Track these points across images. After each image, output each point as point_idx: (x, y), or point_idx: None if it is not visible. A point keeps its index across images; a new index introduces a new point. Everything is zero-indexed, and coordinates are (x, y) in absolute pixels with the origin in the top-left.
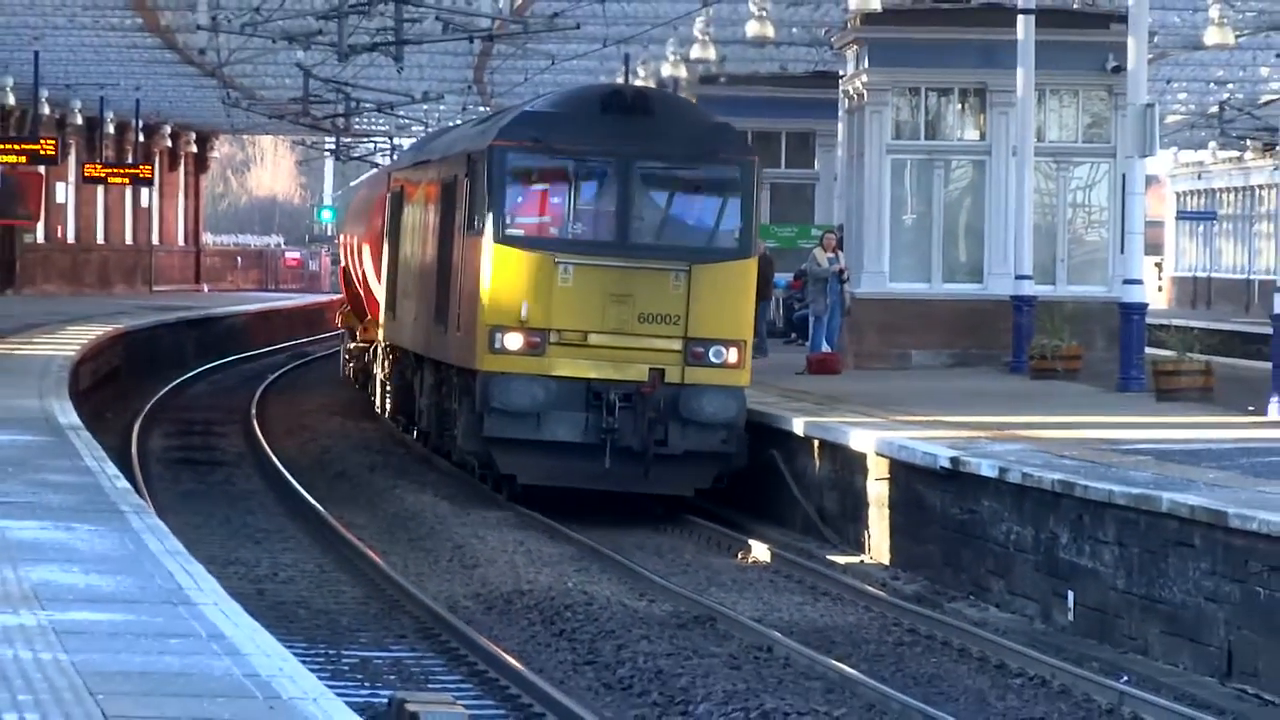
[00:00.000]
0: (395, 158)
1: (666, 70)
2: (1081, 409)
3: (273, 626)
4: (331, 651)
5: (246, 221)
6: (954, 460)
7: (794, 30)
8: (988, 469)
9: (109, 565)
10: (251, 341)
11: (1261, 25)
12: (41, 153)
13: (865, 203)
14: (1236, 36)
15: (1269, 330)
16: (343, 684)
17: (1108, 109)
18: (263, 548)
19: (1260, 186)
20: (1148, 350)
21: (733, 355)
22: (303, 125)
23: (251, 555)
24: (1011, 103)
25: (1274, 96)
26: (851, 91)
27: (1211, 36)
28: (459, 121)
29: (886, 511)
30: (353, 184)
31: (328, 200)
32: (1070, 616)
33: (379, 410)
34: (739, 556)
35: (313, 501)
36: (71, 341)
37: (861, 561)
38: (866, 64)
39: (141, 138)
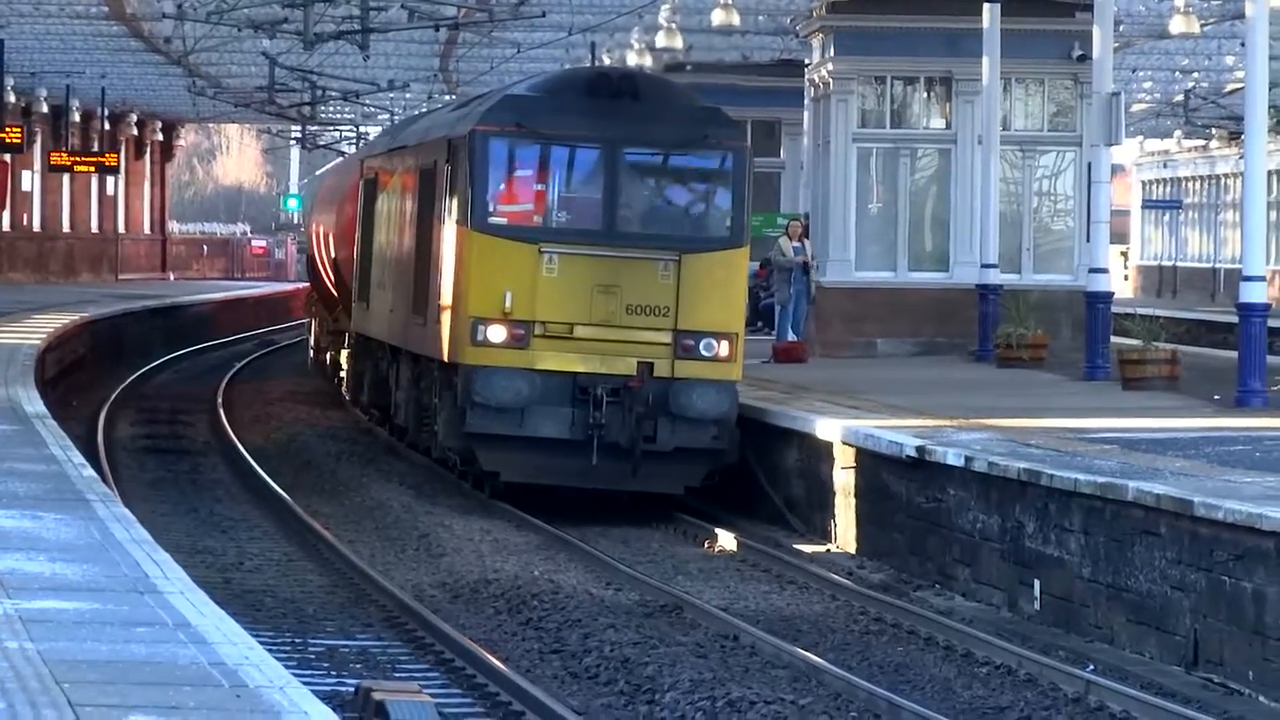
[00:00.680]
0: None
1: (632, 59)
2: (1047, 398)
3: (239, 615)
4: (298, 640)
5: (212, 210)
6: (920, 449)
7: (760, 19)
8: (953, 458)
9: (75, 554)
10: (217, 330)
11: (1226, 14)
12: (7, 141)
13: (831, 191)
14: (1202, 25)
15: (1235, 319)
16: (309, 672)
17: (1073, 97)
18: (229, 536)
19: (1225, 175)
20: (1113, 339)
21: (724, 348)
22: (268, 114)
23: (218, 544)
24: (977, 91)
25: (1239, 85)
26: (817, 80)
27: (1177, 25)
28: (425, 109)
29: (853, 500)
30: (319, 172)
31: (293, 189)
32: (1036, 605)
33: (350, 402)
34: (706, 545)
35: (279, 490)
36: (37, 330)
37: (828, 550)
38: (832, 52)
39: (107, 126)
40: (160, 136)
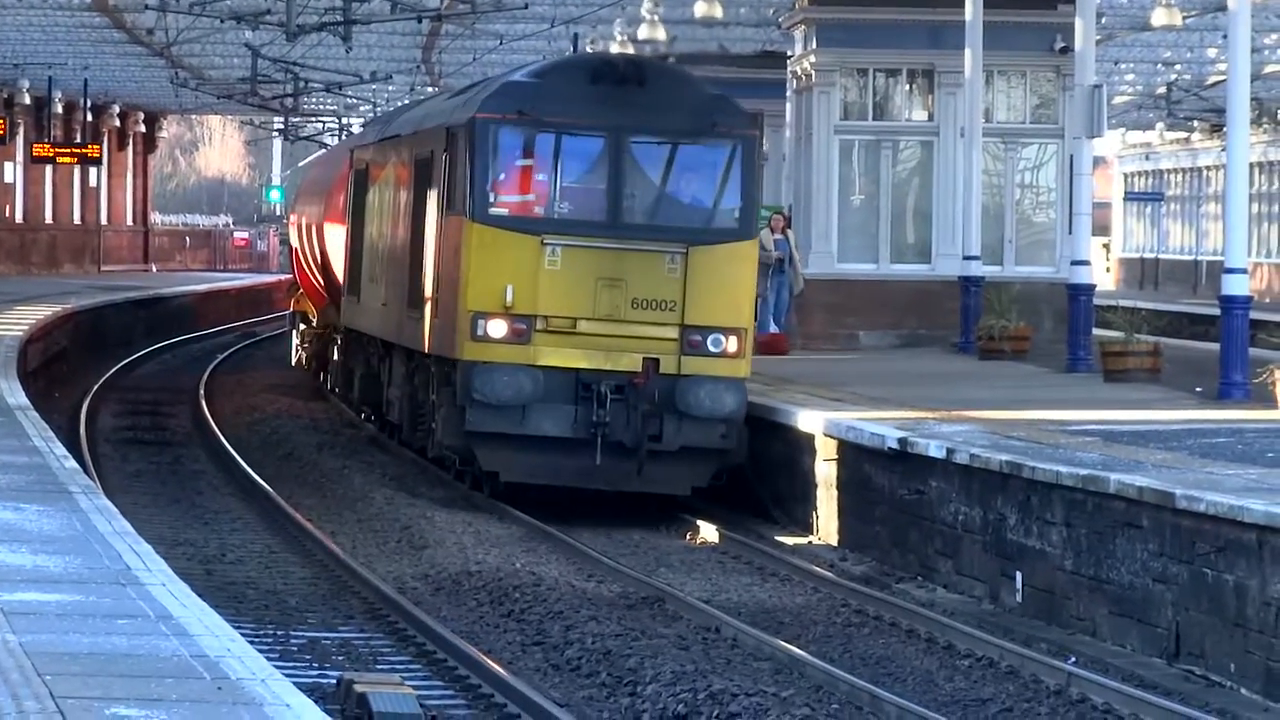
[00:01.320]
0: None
1: (615, 50)
2: (1029, 390)
3: (221, 607)
4: (280, 632)
5: (195, 202)
6: (902, 441)
7: (742, 10)
8: (935, 450)
9: (57, 546)
10: (200, 321)
11: (1209, 7)
12: None
13: (813, 183)
14: (1184, 18)
15: (1217, 311)
16: (291, 664)
17: (1055, 90)
18: (211, 528)
19: (1207, 168)
20: (1095, 331)
21: (732, 344)
22: (251, 105)
23: (200, 536)
24: (959, 83)
25: (1221, 78)
26: (799, 72)
27: (1159, 18)
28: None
29: (835, 493)
30: (303, 163)
31: (276, 180)
32: (1018, 597)
33: (339, 399)
34: (688, 537)
35: (261, 482)
36: (19, 321)
37: (810, 542)
38: (814, 45)
39: (90, 117)
40: (143, 128)
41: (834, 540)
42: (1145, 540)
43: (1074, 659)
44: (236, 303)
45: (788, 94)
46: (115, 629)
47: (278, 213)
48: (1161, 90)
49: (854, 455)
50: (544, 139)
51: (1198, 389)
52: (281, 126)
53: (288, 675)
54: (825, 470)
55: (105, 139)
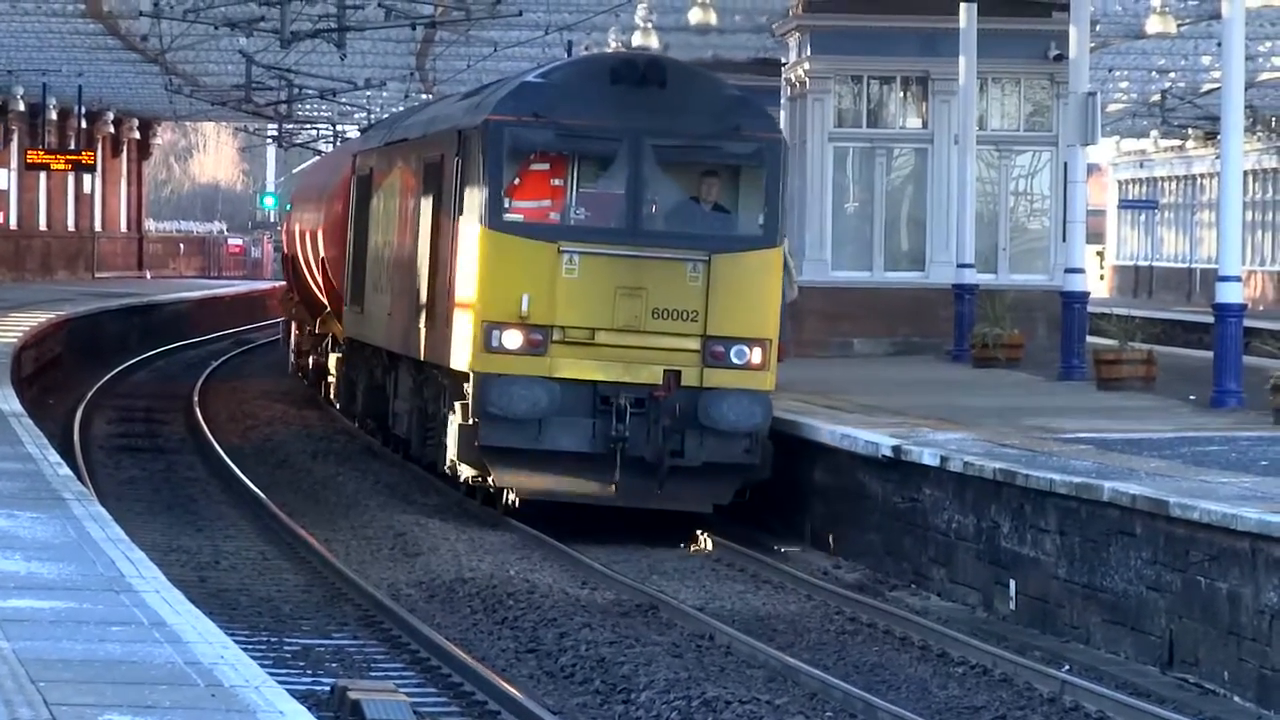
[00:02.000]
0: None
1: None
2: (1023, 397)
3: (215, 614)
4: (274, 639)
5: (189, 208)
6: (896, 449)
7: (736, 17)
8: (929, 458)
9: (51, 553)
10: (194, 328)
11: (1203, 14)
12: None
13: (807, 191)
14: (1178, 25)
15: (1211, 319)
16: (285, 672)
17: (1050, 97)
18: (205, 535)
19: (1201, 175)
20: (1089, 339)
21: (756, 355)
22: (245, 112)
23: (193, 543)
24: (953, 91)
25: (1215, 85)
26: (794, 79)
27: (1153, 25)
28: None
29: (829, 500)
30: (299, 169)
31: (270, 187)
32: (1012, 605)
33: (341, 411)
34: (682, 545)
35: (255, 489)
36: (14, 328)
37: (803, 550)
38: (809, 51)
39: (84, 124)
40: (137, 135)
41: (828, 548)
42: (1139, 548)
43: (1067, 667)
44: (230, 310)
45: (782, 101)
46: (109, 636)
47: (272, 219)
48: (1156, 98)
49: (848, 462)
50: (561, 142)
51: (1192, 397)
52: (276, 133)
53: (281, 682)
54: (819, 477)
55: (99, 145)
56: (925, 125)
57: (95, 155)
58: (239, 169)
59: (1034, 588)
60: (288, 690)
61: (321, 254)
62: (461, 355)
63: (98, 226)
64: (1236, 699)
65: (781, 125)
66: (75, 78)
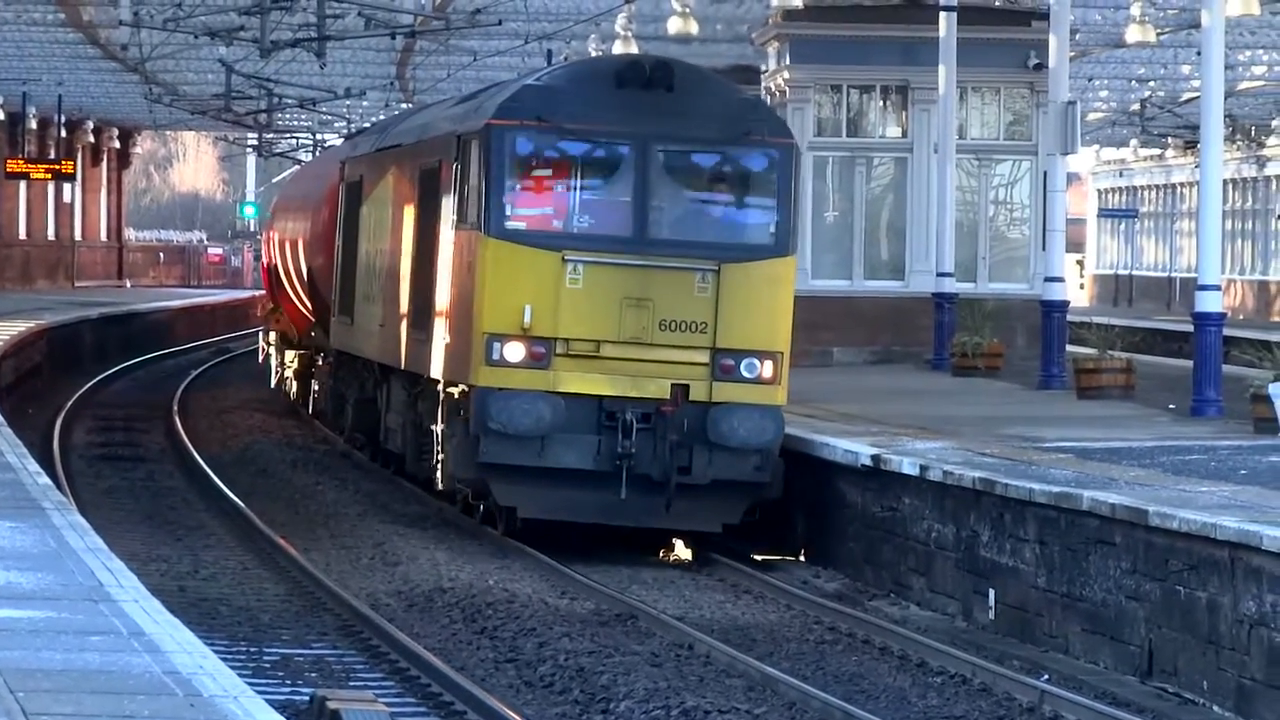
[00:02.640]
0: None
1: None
2: (1002, 406)
3: (194, 624)
4: (253, 649)
5: (169, 217)
6: (875, 458)
7: (717, 26)
8: (909, 467)
9: (30, 562)
10: (174, 338)
11: (1182, 23)
12: None
13: None
14: (1158, 34)
15: (1190, 328)
16: (264, 681)
17: (1029, 106)
18: (184, 544)
19: (1181, 184)
20: (1069, 348)
21: (768, 369)
22: (225, 121)
23: (173, 552)
24: (933, 100)
25: (1195, 94)
26: (773, 88)
27: (1133, 34)
28: (382, 116)
29: (808, 509)
30: (281, 177)
31: (250, 196)
32: (991, 615)
33: (329, 426)
34: (661, 554)
35: (234, 498)
36: None
37: (783, 559)
38: (788, 60)
39: (64, 133)
40: (117, 144)
41: (807, 557)
42: (1118, 557)
43: (1046, 676)
44: (211, 319)
45: None
46: (88, 645)
47: (252, 229)
48: (1135, 107)
49: (827, 471)
50: (564, 147)
51: (1171, 406)
52: (255, 142)
53: (260, 692)
54: (799, 486)
55: (79, 155)
56: (905, 134)
57: (75, 164)
58: (219, 178)
59: (1013, 597)
60: (267, 700)
61: (307, 264)
62: (461, 368)
63: (78, 235)
64: (1216, 708)
65: None
66: (55, 87)
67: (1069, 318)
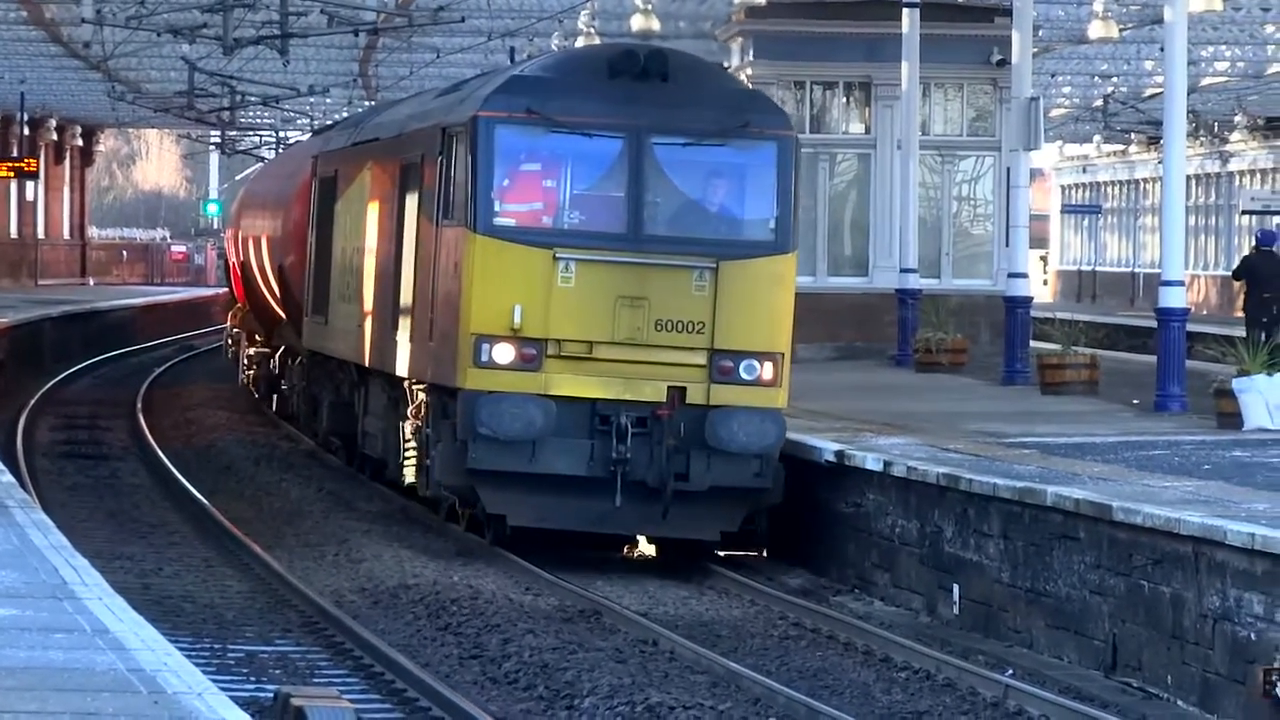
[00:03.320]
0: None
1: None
2: (966, 402)
3: (158, 621)
4: (217, 646)
5: (132, 215)
6: (839, 454)
7: (680, 23)
8: (872, 462)
9: None
10: (137, 335)
11: (1145, 19)
12: None
13: None
14: (1120, 30)
15: (1154, 324)
16: (228, 678)
17: (992, 102)
18: (148, 542)
19: (1144, 180)
20: (1033, 344)
21: (767, 371)
22: (188, 119)
23: (137, 550)
24: (896, 96)
25: (1158, 90)
26: None
27: (1096, 30)
28: (345, 114)
29: (772, 505)
30: (247, 172)
31: (213, 194)
32: (955, 610)
33: (301, 429)
34: (625, 550)
35: (199, 496)
36: None
37: (747, 555)
38: (751, 57)
39: (27, 131)
40: (80, 142)
41: (771, 553)
42: (1082, 552)
43: (1011, 671)
44: (174, 316)
45: None
46: (52, 643)
47: (215, 226)
48: (1098, 103)
49: (791, 468)
50: (555, 140)
51: (1135, 401)
52: (219, 140)
53: (225, 689)
54: None
55: (42, 152)
56: (868, 130)
57: (38, 162)
58: (182, 176)
59: (977, 592)
60: (231, 697)
61: (278, 261)
62: (447, 371)
63: (41, 233)
64: (1180, 703)
65: None
66: (18, 85)
67: (1032, 313)
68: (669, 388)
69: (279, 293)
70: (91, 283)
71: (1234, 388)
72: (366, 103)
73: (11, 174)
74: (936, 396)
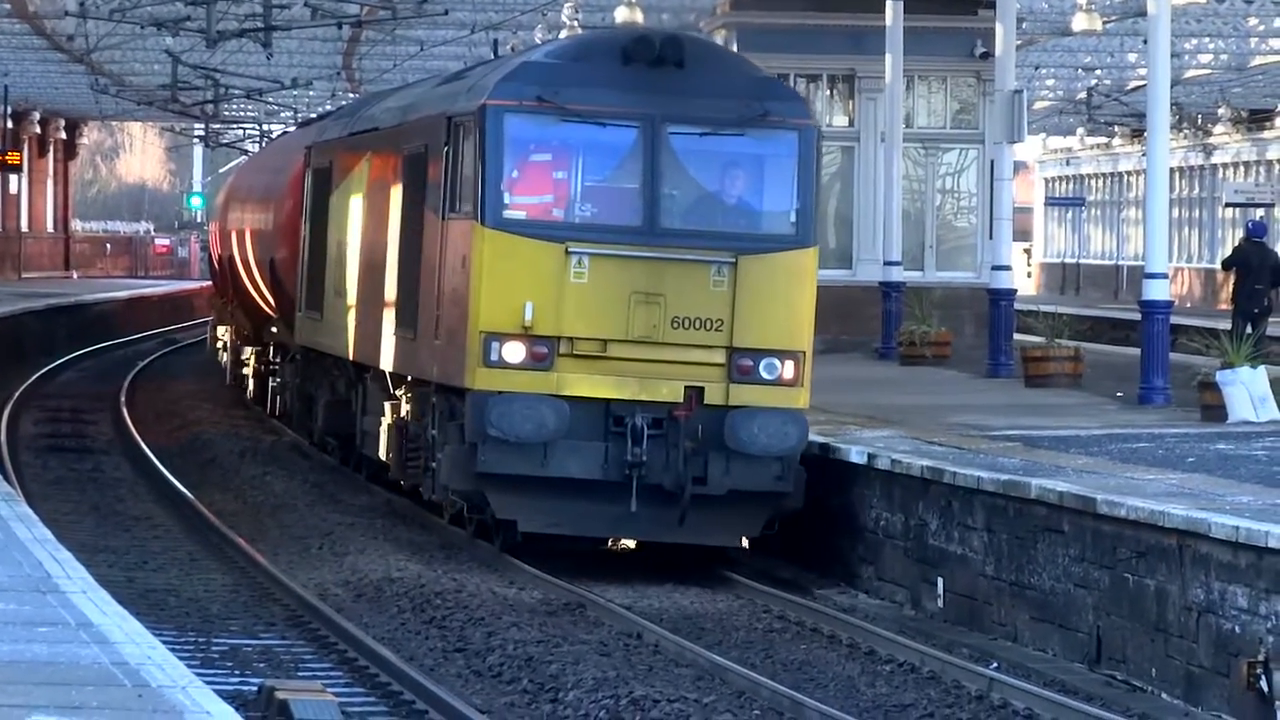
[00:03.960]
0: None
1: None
2: (950, 395)
3: (142, 614)
4: (201, 639)
5: (115, 208)
6: (823, 447)
7: (663, 16)
8: (856, 455)
9: None
10: (121, 328)
11: (1128, 12)
12: None
13: None
14: (1104, 23)
15: (1138, 316)
16: (212, 672)
17: (976, 95)
18: (132, 535)
19: (1128, 172)
20: (1017, 336)
21: (789, 370)
22: (171, 112)
23: (121, 543)
24: (880, 89)
25: (1141, 83)
26: None
27: (1079, 23)
28: (329, 107)
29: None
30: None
31: (197, 187)
32: (940, 603)
33: (294, 428)
34: (609, 543)
35: (182, 489)
36: None
37: (731, 548)
38: (735, 49)
39: (10, 124)
40: (63, 134)
41: (755, 546)
42: (1066, 545)
43: (995, 664)
44: (158, 309)
45: None
46: (35, 636)
47: (199, 219)
48: (1082, 95)
49: None
50: (567, 129)
51: (1119, 394)
52: (202, 133)
53: (209, 683)
54: None
55: (26, 145)
56: (852, 123)
57: (21, 155)
58: (166, 169)
59: (962, 585)
60: (215, 690)
61: (268, 255)
62: (455, 370)
63: (24, 227)
64: (1164, 696)
65: None
66: (1, 77)
67: (1016, 306)
68: (686, 388)
69: (270, 287)
70: (75, 276)
71: (1218, 380)
72: (350, 95)
73: None
74: (921, 389)
